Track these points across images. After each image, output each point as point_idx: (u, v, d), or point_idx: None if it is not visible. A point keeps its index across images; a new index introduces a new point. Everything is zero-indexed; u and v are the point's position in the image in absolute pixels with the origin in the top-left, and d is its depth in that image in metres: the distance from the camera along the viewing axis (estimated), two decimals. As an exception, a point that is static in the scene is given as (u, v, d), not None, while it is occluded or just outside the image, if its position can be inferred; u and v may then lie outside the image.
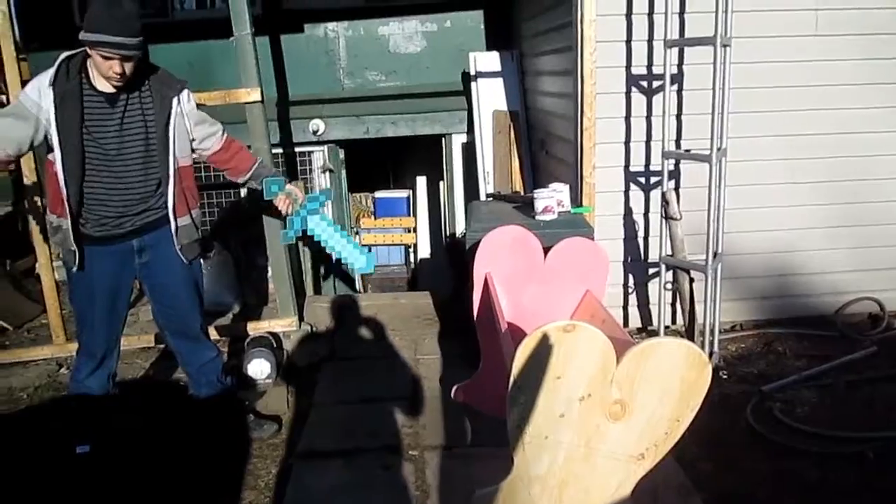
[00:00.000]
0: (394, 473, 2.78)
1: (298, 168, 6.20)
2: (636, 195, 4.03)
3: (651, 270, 4.09)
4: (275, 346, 3.94)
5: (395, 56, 6.24)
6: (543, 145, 5.16)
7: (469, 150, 6.28)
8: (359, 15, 6.34)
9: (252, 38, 3.90)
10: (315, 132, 6.24)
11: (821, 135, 3.96)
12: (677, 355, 1.93)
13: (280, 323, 4.20)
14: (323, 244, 3.12)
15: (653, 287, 4.07)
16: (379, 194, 8.49)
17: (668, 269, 3.84)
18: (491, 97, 5.77)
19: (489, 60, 5.82)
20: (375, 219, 8.51)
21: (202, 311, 3.08)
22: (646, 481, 2.10)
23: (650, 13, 3.77)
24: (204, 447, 3.03)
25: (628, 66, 3.84)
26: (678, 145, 3.92)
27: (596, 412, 1.97)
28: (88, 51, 2.49)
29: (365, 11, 6.51)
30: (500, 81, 5.79)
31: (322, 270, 6.60)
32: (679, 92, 3.86)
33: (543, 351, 1.91)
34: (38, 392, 3.73)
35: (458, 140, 6.57)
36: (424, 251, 8.45)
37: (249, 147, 3.44)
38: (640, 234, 4.09)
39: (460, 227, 6.62)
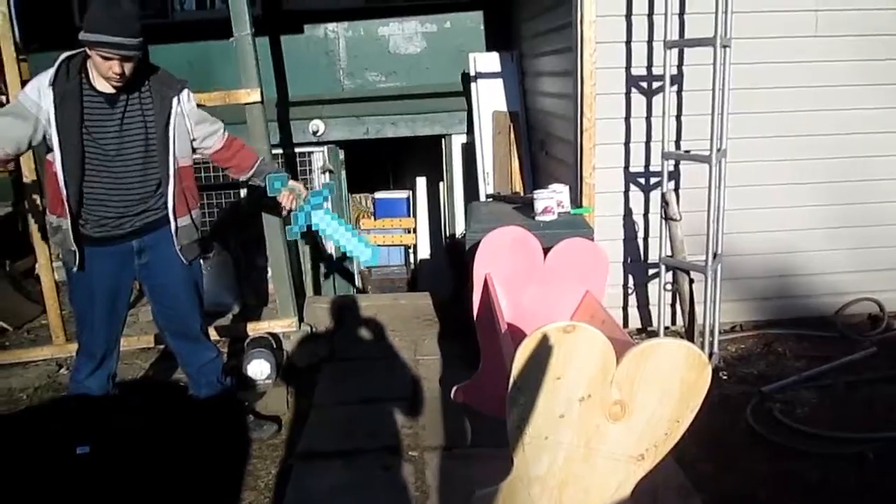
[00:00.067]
0: (393, 474, 2.78)
1: (298, 169, 6.21)
2: (636, 196, 4.03)
3: (651, 271, 4.09)
4: (274, 346, 3.94)
5: (395, 57, 6.25)
6: (543, 146, 5.16)
7: (469, 151, 6.29)
8: (359, 15, 6.34)
9: (252, 39, 3.90)
10: (315, 133, 6.24)
11: (821, 135, 3.96)
12: (677, 356, 1.93)
13: (280, 323, 4.20)
14: (328, 238, 3.13)
15: (652, 288, 4.07)
16: (379, 195, 8.50)
17: (667, 269, 3.84)
18: (491, 98, 5.77)
19: (489, 61, 5.82)
20: (375, 219, 8.51)
21: (202, 311, 3.08)
22: (645, 482, 2.10)
23: (650, 14, 3.77)
24: (204, 448, 3.03)
25: (628, 67, 3.85)
26: (678, 146, 3.93)
27: (596, 413, 1.97)
28: (88, 51, 2.49)
29: (365, 12, 6.52)
30: (499, 82, 5.79)
31: (322, 270, 6.60)
32: (679, 93, 3.86)
33: (543, 352, 1.91)
34: (38, 393, 3.73)
35: (458, 141, 6.57)
36: (424, 252, 8.45)
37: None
38: (640, 234, 4.09)
39: (460, 228, 6.62)
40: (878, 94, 3.95)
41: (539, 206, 3.43)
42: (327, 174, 6.36)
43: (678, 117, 3.90)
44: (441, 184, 7.39)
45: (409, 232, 8.53)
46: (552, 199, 3.45)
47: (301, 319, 4.29)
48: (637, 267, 4.12)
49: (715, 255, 3.56)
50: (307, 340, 4.16)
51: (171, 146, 2.71)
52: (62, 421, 3.15)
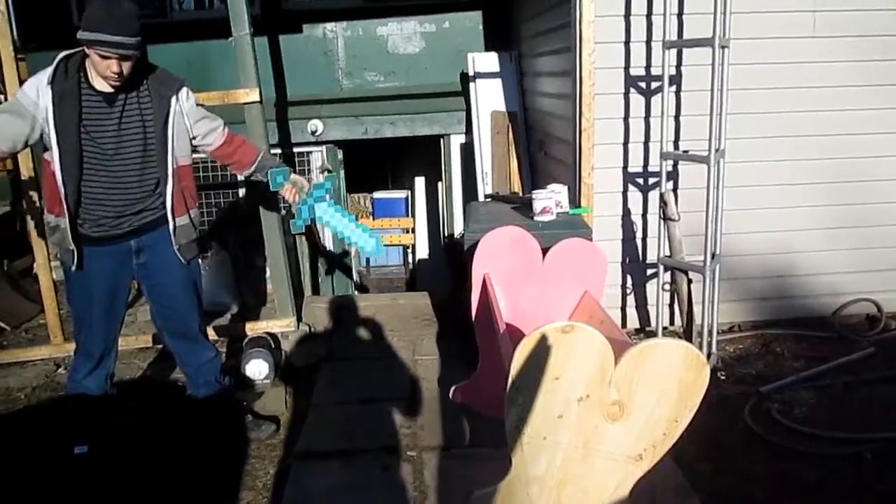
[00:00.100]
0: (392, 474, 2.78)
1: (297, 169, 6.20)
2: (634, 196, 4.03)
3: (649, 271, 4.09)
4: (273, 346, 3.94)
5: (394, 56, 6.25)
6: (542, 146, 5.16)
7: (468, 151, 6.29)
8: (357, 15, 6.35)
9: (251, 39, 3.90)
10: (314, 132, 6.24)
11: (819, 136, 3.96)
12: (675, 356, 1.93)
13: (278, 323, 4.20)
14: (332, 230, 3.13)
15: (651, 288, 4.07)
16: (377, 195, 8.51)
17: (666, 269, 3.84)
18: (489, 98, 5.78)
19: (488, 61, 5.82)
20: (374, 219, 8.51)
21: (201, 311, 3.08)
22: (644, 482, 2.10)
23: (648, 14, 3.78)
24: (202, 447, 3.03)
25: (627, 68, 3.85)
26: (676, 146, 3.93)
27: (594, 413, 1.97)
28: (86, 50, 2.49)
29: (363, 12, 6.52)
30: (498, 82, 5.79)
31: (321, 270, 6.60)
32: (677, 93, 3.86)
33: (542, 352, 1.91)
34: (36, 392, 3.73)
35: (457, 141, 6.58)
36: (423, 252, 8.45)
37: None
38: (639, 234, 4.09)
39: (459, 228, 6.63)
40: (877, 94, 3.95)
41: (538, 206, 3.43)
42: (326, 174, 6.36)
43: (677, 117, 3.90)
44: (440, 184, 7.40)
45: (408, 232, 8.53)
46: (551, 200, 3.45)
47: (299, 319, 4.29)
48: (635, 267, 4.12)
49: (713, 256, 3.56)
50: (306, 340, 4.16)
51: (169, 145, 2.70)
52: (60, 420, 3.14)
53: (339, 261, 7.02)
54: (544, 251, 2.98)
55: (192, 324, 3.03)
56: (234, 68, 3.96)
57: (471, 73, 5.79)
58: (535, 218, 3.43)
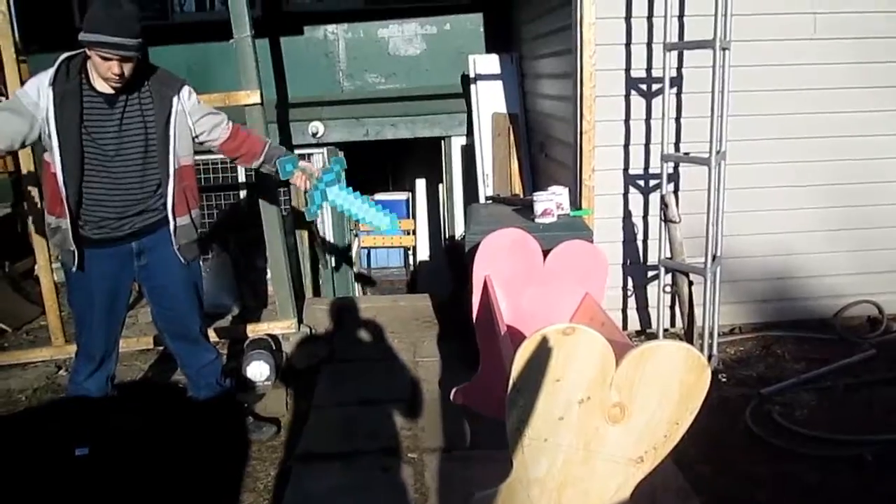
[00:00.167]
0: (393, 476, 2.78)
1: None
2: (635, 198, 4.03)
3: (650, 273, 4.09)
4: (274, 348, 3.94)
5: (395, 58, 6.25)
6: (543, 148, 5.17)
7: (468, 153, 6.29)
8: (358, 17, 6.35)
9: (252, 41, 3.90)
10: (314, 134, 6.25)
11: (819, 138, 3.96)
12: (676, 358, 1.93)
13: (279, 325, 4.20)
14: (346, 212, 3.12)
15: (652, 290, 4.07)
16: (378, 197, 8.51)
17: (667, 271, 3.84)
18: (490, 100, 5.78)
19: (489, 63, 5.83)
20: (374, 221, 8.50)
21: (202, 313, 3.08)
22: (644, 484, 2.10)
23: (649, 16, 3.78)
24: (203, 449, 3.03)
25: (627, 70, 3.85)
26: (677, 148, 3.93)
27: (595, 415, 1.97)
28: (88, 51, 2.49)
29: (364, 14, 6.52)
30: (499, 84, 5.80)
31: (321, 272, 6.60)
32: (678, 95, 3.86)
33: (543, 354, 1.91)
34: (37, 394, 3.73)
35: (458, 142, 6.58)
36: (423, 253, 8.46)
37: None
38: (640, 236, 4.09)
39: (459, 230, 6.63)
40: (877, 96, 3.95)
41: (538, 208, 3.44)
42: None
43: (677, 119, 3.90)
44: (440, 185, 7.40)
45: (409, 234, 8.54)
46: (552, 202, 3.45)
47: (300, 321, 4.29)
48: (636, 269, 4.12)
49: (714, 258, 3.56)
50: (306, 342, 4.16)
51: (171, 145, 2.70)
52: (61, 422, 3.14)
53: (340, 252, 7.03)
54: (545, 253, 2.98)
55: (193, 325, 3.03)
56: (235, 70, 3.96)
57: (472, 75, 5.79)
58: (536, 220, 3.43)
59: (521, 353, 1.92)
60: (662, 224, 3.72)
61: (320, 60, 6.20)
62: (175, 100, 2.70)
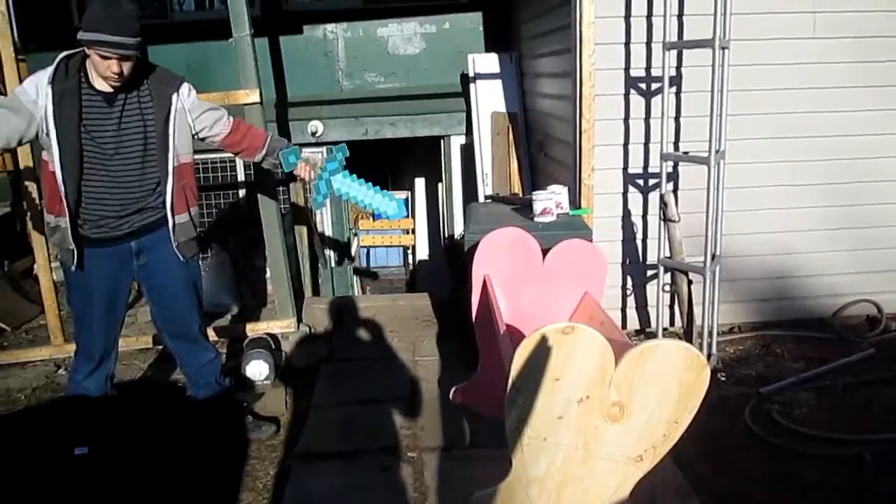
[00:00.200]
0: (392, 475, 2.78)
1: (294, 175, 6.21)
2: (635, 197, 4.03)
3: (649, 272, 4.09)
4: (273, 347, 3.94)
5: (394, 57, 6.25)
6: (542, 147, 5.17)
7: (468, 152, 6.29)
8: (358, 16, 6.36)
9: (251, 40, 3.90)
10: (314, 133, 6.25)
11: (819, 137, 3.97)
12: (676, 357, 1.94)
13: (278, 324, 4.20)
14: (353, 200, 3.11)
15: (651, 289, 4.07)
16: (378, 196, 8.49)
17: (666, 270, 3.84)
18: (490, 99, 5.78)
19: (488, 62, 5.83)
20: (374, 220, 8.52)
21: (201, 312, 3.08)
22: (644, 483, 2.10)
23: (649, 15, 3.78)
24: (202, 448, 3.03)
25: (627, 69, 3.85)
26: (676, 147, 3.93)
27: (594, 414, 1.97)
28: (87, 50, 2.49)
29: (364, 13, 6.53)
30: (498, 83, 5.80)
31: (321, 271, 6.60)
32: (677, 94, 3.86)
33: (542, 353, 1.91)
34: (36, 393, 3.73)
35: (457, 142, 6.58)
36: (423, 253, 8.46)
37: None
38: (639, 236, 4.09)
39: (459, 229, 6.63)
40: (877, 95, 3.95)
41: (538, 207, 3.44)
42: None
43: (677, 119, 3.90)
44: (440, 185, 7.40)
45: (408, 233, 8.54)
46: (551, 201, 3.45)
47: (300, 320, 4.29)
48: (636, 268, 4.12)
49: (713, 257, 3.57)
50: (306, 341, 4.16)
51: (170, 143, 2.70)
52: (60, 421, 3.14)
53: (340, 252, 7.03)
54: (544, 252, 2.98)
55: (193, 325, 3.03)
56: (235, 69, 3.96)
57: (471, 74, 5.79)
58: (536, 219, 3.43)
59: (521, 353, 1.92)
60: (662, 223, 3.72)
61: (319, 59, 6.20)
62: (174, 97, 2.70)
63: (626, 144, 3.95)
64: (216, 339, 4.04)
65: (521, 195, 5.16)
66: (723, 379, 3.58)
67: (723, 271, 3.76)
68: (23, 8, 5.33)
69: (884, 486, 2.65)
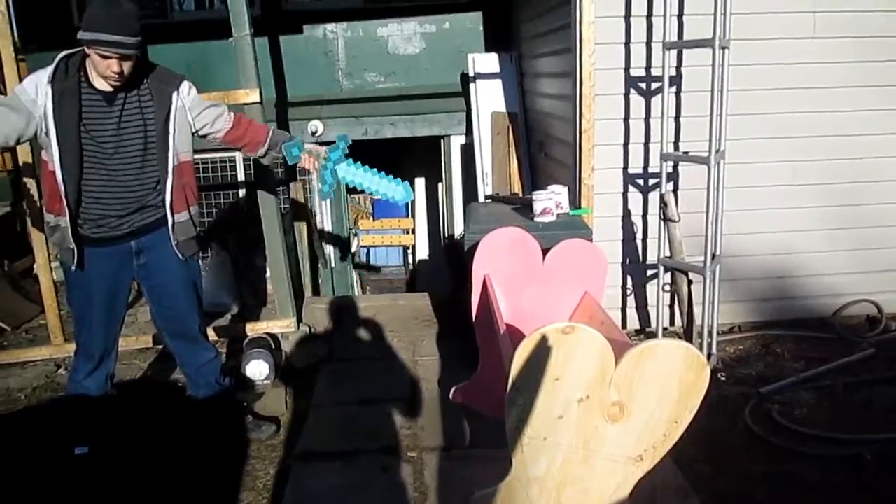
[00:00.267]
0: (392, 475, 2.78)
1: (297, 168, 6.20)
2: (635, 197, 4.03)
3: (649, 272, 4.09)
4: (273, 347, 3.94)
5: (394, 57, 6.25)
6: (542, 147, 5.17)
7: (468, 152, 6.30)
8: (358, 16, 6.36)
9: (251, 39, 3.90)
10: (314, 133, 6.25)
11: (819, 137, 3.97)
12: (676, 357, 1.93)
13: (278, 324, 4.20)
14: (359, 186, 3.10)
15: (651, 289, 4.07)
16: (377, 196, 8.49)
17: (666, 270, 3.84)
18: (490, 99, 5.78)
19: (488, 62, 5.83)
20: (374, 220, 8.53)
21: (201, 312, 3.08)
22: (644, 483, 2.10)
23: (649, 15, 3.78)
24: (202, 448, 3.03)
25: (627, 68, 3.85)
26: (676, 147, 3.93)
27: (594, 414, 1.97)
28: (87, 50, 2.49)
29: (364, 12, 6.53)
30: (498, 83, 5.80)
31: (321, 271, 6.61)
32: (677, 94, 3.86)
33: (542, 352, 1.91)
34: (36, 393, 3.73)
35: (457, 141, 6.58)
36: (423, 252, 8.46)
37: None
38: (639, 235, 4.09)
39: (459, 229, 6.63)
40: (877, 95, 3.95)
41: (538, 207, 3.44)
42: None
43: (677, 118, 3.90)
44: (440, 184, 7.41)
45: (408, 233, 8.54)
46: (551, 200, 3.45)
47: (300, 320, 4.29)
48: (636, 268, 4.12)
49: (713, 256, 3.56)
50: (306, 341, 4.16)
51: (170, 142, 2.70)
52: (60, 421, 3.14)
53: (340, 251, 7.03)
54: (544, 252, 2.98)
55: (193, 324, 3.03)
56: (235, 69, 3.96)
57: (471, 74, 5.79)
58: (536, 219, 3.43)
59: (521, 352, 1.92)
60: (662, 223, 3.72)
61: (319, 59, 6.20)
62: (174, 96, 2.70)
63: (626, 144, 3.95)
64: (216, 338, 4.04)
65: (521, 195, 5.17)
66: (723, 379, 3.58)
67: (723, 271, 3.76)
68: (23, 8, 5.33)
69: (884, 486, 2.65)
